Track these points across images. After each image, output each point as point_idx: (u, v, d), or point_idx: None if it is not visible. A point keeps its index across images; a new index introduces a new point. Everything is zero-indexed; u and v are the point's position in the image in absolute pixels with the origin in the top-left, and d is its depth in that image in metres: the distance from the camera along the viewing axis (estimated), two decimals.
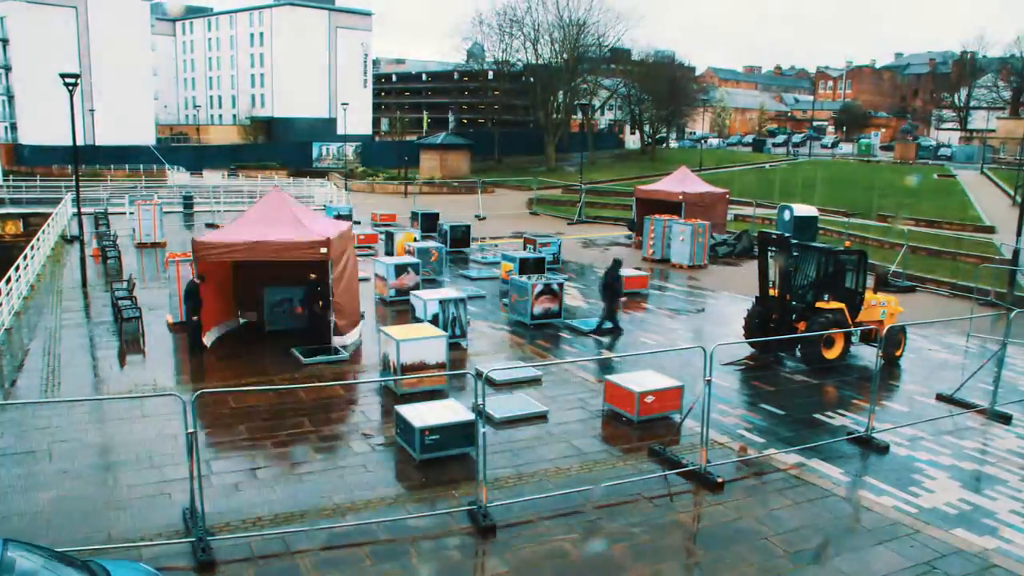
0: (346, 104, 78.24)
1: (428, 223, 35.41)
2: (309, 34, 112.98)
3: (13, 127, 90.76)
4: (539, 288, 20.62)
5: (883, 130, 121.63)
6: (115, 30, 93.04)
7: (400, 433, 12.75)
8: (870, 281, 19.33)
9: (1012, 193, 51.89)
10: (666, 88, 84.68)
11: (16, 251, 30.17)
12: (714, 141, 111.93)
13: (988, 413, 15.09)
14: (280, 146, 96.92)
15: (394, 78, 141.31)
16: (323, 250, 17.47)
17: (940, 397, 15.98)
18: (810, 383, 16.99)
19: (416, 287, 22.40)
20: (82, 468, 11.94)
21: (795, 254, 18.41)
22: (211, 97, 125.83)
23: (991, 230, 38.69)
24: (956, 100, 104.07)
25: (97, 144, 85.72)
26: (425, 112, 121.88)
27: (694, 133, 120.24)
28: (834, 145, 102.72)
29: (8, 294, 20.70)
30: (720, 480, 11.72)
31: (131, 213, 37.27)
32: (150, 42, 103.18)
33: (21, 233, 43.65)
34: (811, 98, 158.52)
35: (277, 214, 18.30)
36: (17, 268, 22.44)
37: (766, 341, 17.89)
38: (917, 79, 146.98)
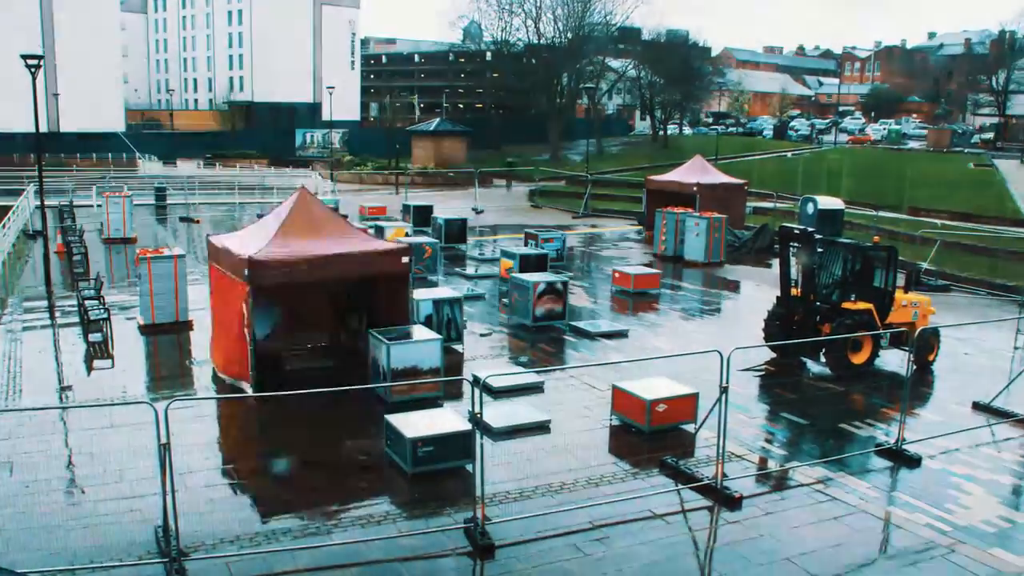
0: (332, 88, 78.13)
1: (421, 217, 35.40)
2: (292, 11, 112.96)
3: None
4: (541, 288, 20.62)
5: (914, 115, 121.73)
6: (81, 7, 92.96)
7: (390, 445, 12.73)
8: (900, 280, 19.31)
9: None
10: (679, 70, 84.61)
11: None
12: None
13: None
14: (260, 133, 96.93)
15: (384, 59, 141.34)
16: (405, 259, 16.34)
17: (977, 406, 15.96)
18: (835, 390, 16.99)
19: None
20: (45, 482, 11.93)
21: (819, 250, 18.39)
22: (185, 80, 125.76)
23: None
24: (994, 83, 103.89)
25: (62, 131, 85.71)
26: (415, 96, 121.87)
27: (709, 116, 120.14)
28: (861, 131, 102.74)
29: None
30: (738, 495, 11.72)
31: (99, 206, 37.30)
32: (119, 20, 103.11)
33: None
34: (836, 81, 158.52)
35: (322, 221, 16.52)
36: None
37: (788, 345, 17.88)
38: (951, 60, 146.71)
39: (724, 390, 11.66)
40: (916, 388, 16.86)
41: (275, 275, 15.16)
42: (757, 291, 25.91)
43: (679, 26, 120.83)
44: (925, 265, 28.09)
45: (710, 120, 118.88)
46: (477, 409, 10.23)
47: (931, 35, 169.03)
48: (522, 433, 13.94)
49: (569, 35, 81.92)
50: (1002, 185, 52.57)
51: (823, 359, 18.00)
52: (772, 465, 13.28)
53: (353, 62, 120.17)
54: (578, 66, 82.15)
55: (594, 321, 21.53)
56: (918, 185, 50.07)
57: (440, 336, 16.21)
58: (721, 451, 11.87)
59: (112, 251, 31.30)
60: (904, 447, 13.49)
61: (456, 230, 32.53)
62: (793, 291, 18.35)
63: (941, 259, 28.95)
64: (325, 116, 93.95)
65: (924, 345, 17.65)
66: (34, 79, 23.19)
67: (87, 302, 19.87)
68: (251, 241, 15.96)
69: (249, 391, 15.21)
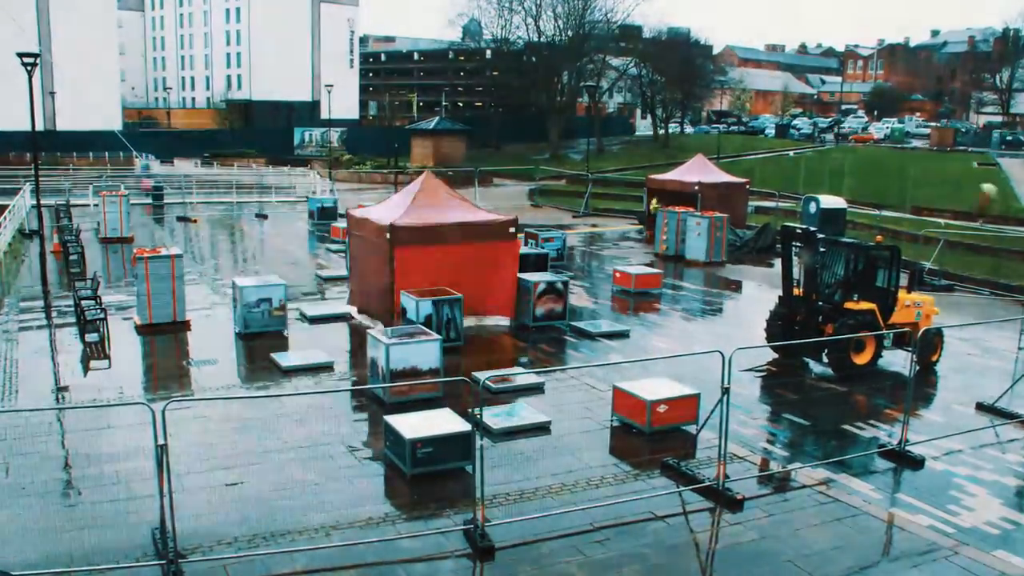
0: (330, 86, 78.06)
1: None
2: (290, 9, 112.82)
3: None
4: (542, 287, 20.62)
5: (917, 114, 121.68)
6: (78, 5, 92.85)
7: (389, 446, 12.73)
8: (903, 280, 19.30)
9: None
10: (680, 68, 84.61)
11: None
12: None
13: None
14: (258, 132, 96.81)
15: (383, 57, 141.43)
16: (512, 229, 20.10)
17: (980, 406, 15.97)
18: (838, 391, 16.98)
19: None
20: (41, 484, 11.92)
21: (822, 250, 18.38)
22: (183, 78, 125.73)
23: None
24: (998, 81, 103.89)
25: (58, 129, 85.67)
26: (414, 94, 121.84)
27: (711, 115, 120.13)
28: (864, 130, 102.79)
29: None
30: (740, 497, 11.72)
31: (95, 205, 37.29)
32: (116, 18, 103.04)
33: None
34: (839, 79, 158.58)
35: (444, 198, 20.77)
36: None
37: (790, 345, 17.88)
38: (955, 58, 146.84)
39: (726, 391, 11.65)
40: (919, 389, 16.88)
41: (410, 236, 19.29)
42: (759, 291, 25.91)
43: (680, 24, 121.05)
44: (928, 265, 28.08)
45: (712, 118, 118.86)
46: (477, 410, 10.23)
47: (934, 33, 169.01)
48: (522, 434, 13.93)
49: (569, 33, 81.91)
50: (1006, 184, 52.57)
51: (825, 359, 17.97)
52: (774, 466, 13.28)
53: (352, 60, 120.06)
54: (578, 64, 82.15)
55: (595, 321, 21.52)
56: (921, 184, 50.09)
57: (440, 336, 16.21)
58: (723, 452, 11.87)
59: (109, 250, 31.30)
60: (907, 448, 13.48)
61: None
62: (795, 291, 18.35)
63: (944, 259, 28.95)
64: (324, 115, 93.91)
65: (927, 345, 17.64)
66: (30, 77, 23.17)
67: (84, 302, 19.85)
68: (387, 214, 20.29)
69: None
